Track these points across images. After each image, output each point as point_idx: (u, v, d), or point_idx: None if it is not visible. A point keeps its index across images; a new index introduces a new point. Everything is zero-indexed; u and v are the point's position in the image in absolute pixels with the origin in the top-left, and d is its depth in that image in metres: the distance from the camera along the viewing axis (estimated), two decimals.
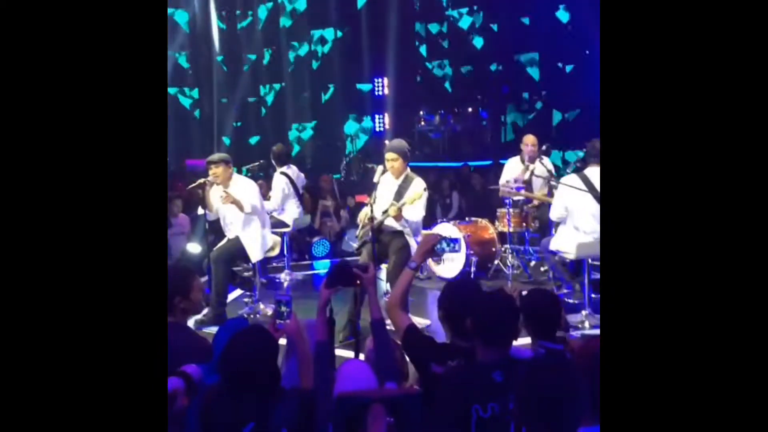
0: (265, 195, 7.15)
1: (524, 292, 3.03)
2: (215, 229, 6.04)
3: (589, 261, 5.34)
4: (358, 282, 2.80)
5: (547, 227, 6.45)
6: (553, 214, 5.44)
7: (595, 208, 4.99)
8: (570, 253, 5.23)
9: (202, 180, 5.77)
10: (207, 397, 2.21)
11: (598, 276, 6.09)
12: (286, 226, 6.97)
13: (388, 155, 5.32)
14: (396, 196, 5.23)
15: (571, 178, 5.34)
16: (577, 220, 5.18)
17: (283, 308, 2.59)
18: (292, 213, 7.01)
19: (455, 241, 3.13)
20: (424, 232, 5.72)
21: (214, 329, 3.78)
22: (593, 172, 5.12)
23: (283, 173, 7.05)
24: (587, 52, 12.82)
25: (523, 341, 2.74)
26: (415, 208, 5.15)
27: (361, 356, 3.17)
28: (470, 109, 13.98)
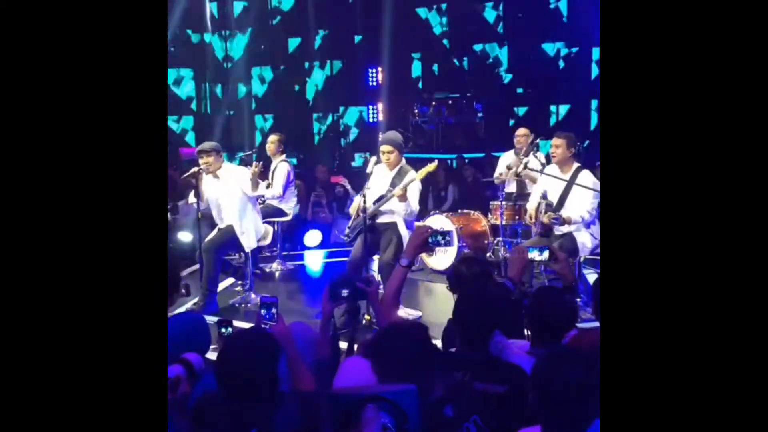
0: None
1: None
2: (207, 219, 6.04)
3: (581, 257, 5.38)
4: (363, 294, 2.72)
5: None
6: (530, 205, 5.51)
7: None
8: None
9: (195, 169, 5.74)
10: (204, 401, 2.16)
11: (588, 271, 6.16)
12: (284, 215, 6.93)
13: (384, 147, 5.28)
14: (390, 187, 5.24)
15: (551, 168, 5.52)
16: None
17: (268, 310, 2.52)
18: (290, 202, 7.00)
19: (448, 233, 3.06)
20: (417, 224, 5.74)
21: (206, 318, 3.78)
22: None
23: (284, 161, 7.03)
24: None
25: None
26: (415, 192, 5.17)
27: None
28: (464, 101, 13.91)
